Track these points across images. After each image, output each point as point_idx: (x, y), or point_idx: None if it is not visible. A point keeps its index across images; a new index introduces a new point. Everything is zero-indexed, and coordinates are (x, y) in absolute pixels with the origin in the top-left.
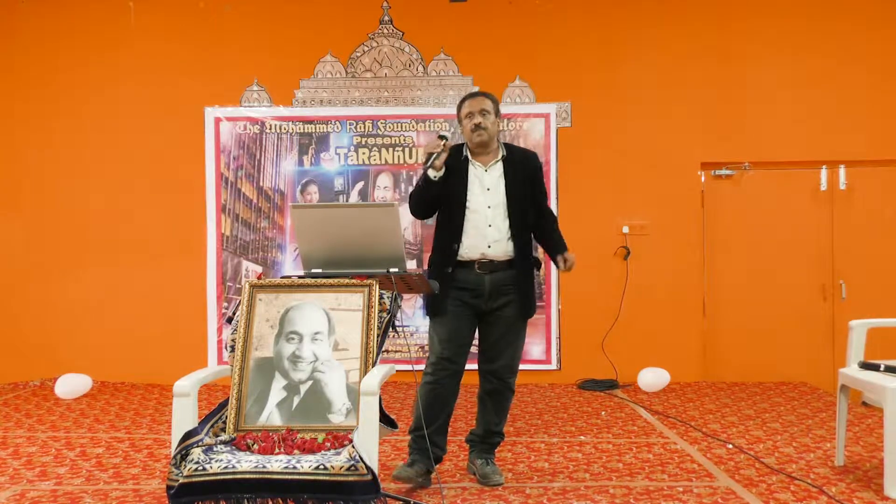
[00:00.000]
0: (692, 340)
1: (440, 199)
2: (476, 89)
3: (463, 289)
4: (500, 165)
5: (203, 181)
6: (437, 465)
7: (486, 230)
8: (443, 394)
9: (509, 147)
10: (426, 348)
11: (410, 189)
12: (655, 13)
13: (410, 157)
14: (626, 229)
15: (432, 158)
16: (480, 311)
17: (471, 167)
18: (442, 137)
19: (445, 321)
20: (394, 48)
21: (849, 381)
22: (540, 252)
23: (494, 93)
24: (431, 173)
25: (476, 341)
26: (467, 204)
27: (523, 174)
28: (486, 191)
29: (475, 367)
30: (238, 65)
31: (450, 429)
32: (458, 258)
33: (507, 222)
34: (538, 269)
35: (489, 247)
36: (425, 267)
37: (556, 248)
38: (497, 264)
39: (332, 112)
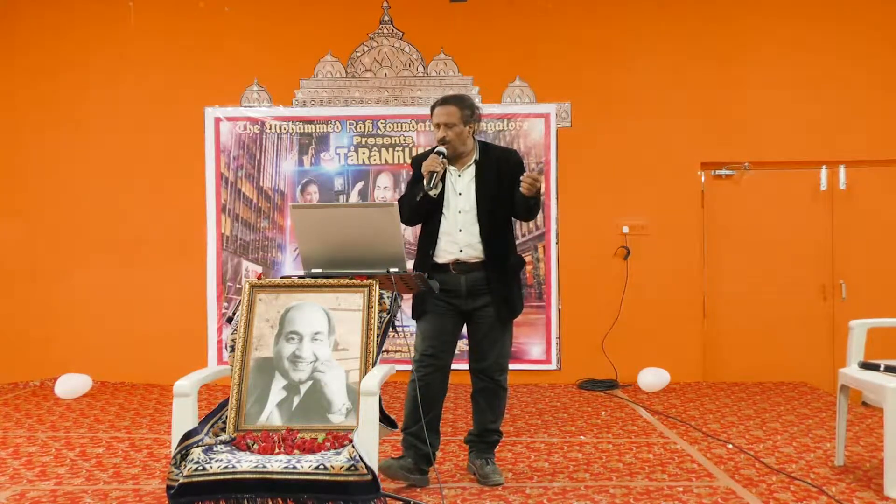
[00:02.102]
0: (692, 340)
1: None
2: (476, 90)
3: (442, 290)
4: (472, 169)
5: (203, 181)
6: (435, 465)
7: (457, 235)
8: (429, 390)
9: (486, 148)
10: None
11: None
12: (655, 13)
13: (410, 157)
14: (626, 229)
15: (435, 178)
16: (462, 310)
17: (447, 172)
18: (440, 154)
19: (428, 319)
20: (394, 48)
21: (849, 381)
22: (539, 251)
23: (494, 93)
24: (433, 193)
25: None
26: (443, 210)
27: (497, 175)
28: (458, 195)
29: (467, 367)
30: (238, 65)
31: (450, 429)
32: (435, 261)
33: (476, 226)
34: (521, 267)
35: (461, 251)
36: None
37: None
38: (471, 265)
39: (332, 112)
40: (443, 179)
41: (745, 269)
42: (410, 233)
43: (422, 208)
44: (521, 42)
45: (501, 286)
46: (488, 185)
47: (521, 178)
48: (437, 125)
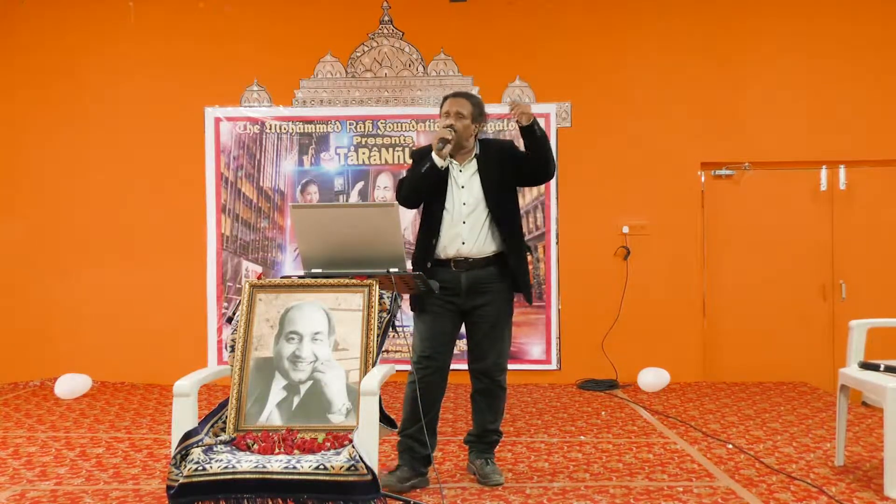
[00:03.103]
0: (692, 340)
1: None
2: (476, 90)
3: (442, 288)
4: (473, 164)
5: (203, 181)
6: (435, 465)
7: (461, 227)
8: (427, 392)
9: (485, 142)
10: None
11: (396, 186)
12: (655, 13)
13: (410, 157)
14: (626, 229)
15: (446, 146)
16: (461, 309)
17: (449, 165)
18: (450, 126)
19: (426, 319)
20: (394, 48)
21: (849, 381)
22: (539, 251)
23: (494, 93)
24: (438, 161)
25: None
26: (445, 204)
27: (499, 164)
28: (461, 189)
29: (467, 367)
30: (238, 65)
31: (450, 429)
32: (436, 256)
33: (482, 219)
34: (530, 253)
35: (463, 244)
36: (409, 266)
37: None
38: (473, 262)
39: (332, 112)
40: (443, 175)
41: (745, 269)
42: (410, 233)
43: (426, 181)
44: (521, 42)
45: (518, 269)
46: (492, 173)
47: (510, 111)
48: (447, 113)
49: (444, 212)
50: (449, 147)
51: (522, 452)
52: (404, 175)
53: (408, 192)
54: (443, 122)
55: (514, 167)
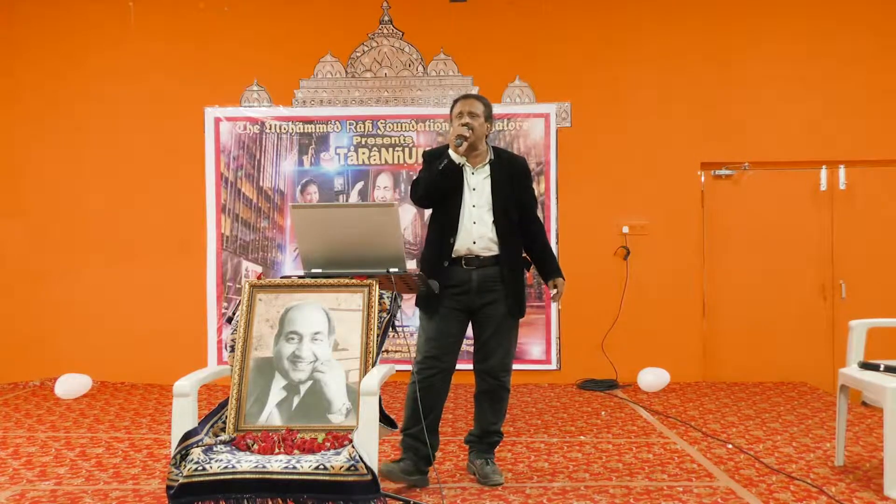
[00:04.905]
0: (692, 340)
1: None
2: (476, 90)
3: (451, 286)
4: (486, 168)
5: (203, 181)
6: (435, 465)
7: (472, 227)
8: (430, 392)
9: (498, 151)
10: None
11: (411, 187)
12: (655, 13)
13: (410, 157)
14: (626, 229)
15: (464, 142)
16: (470, 308)
17: (463, 168)
18: (466, 125)
19: (433, 319)
20: (394, 48)
21: (849, 381)
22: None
23: (494, 93)
24: (456, 158)
25: (470, 341)
26: (461, 202)
27: (510, 178)
28: (472, 190)
29: (471, 367)
30: (238, 65)
31: (450, 429)
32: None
33: (490, 221)
34: (527, 269)
35: (474, 243)
36: (415, 265)
37: (549, 271)
38: (483, 260)
39: (332, 112)
40: (459, 173)
41: (745, 269)
42: (410, 233)
43: (444, 179)
44: (521, 42)
45: (513, 284)
46: (503, 184)
47: (558, 291)
48: (461, 113)
49: (461, 210)
50: (466, 144)
51: (522, 452)
52: (419, 175)
53: (424, 192)
54: (458, 121)
55: (518, 198)
